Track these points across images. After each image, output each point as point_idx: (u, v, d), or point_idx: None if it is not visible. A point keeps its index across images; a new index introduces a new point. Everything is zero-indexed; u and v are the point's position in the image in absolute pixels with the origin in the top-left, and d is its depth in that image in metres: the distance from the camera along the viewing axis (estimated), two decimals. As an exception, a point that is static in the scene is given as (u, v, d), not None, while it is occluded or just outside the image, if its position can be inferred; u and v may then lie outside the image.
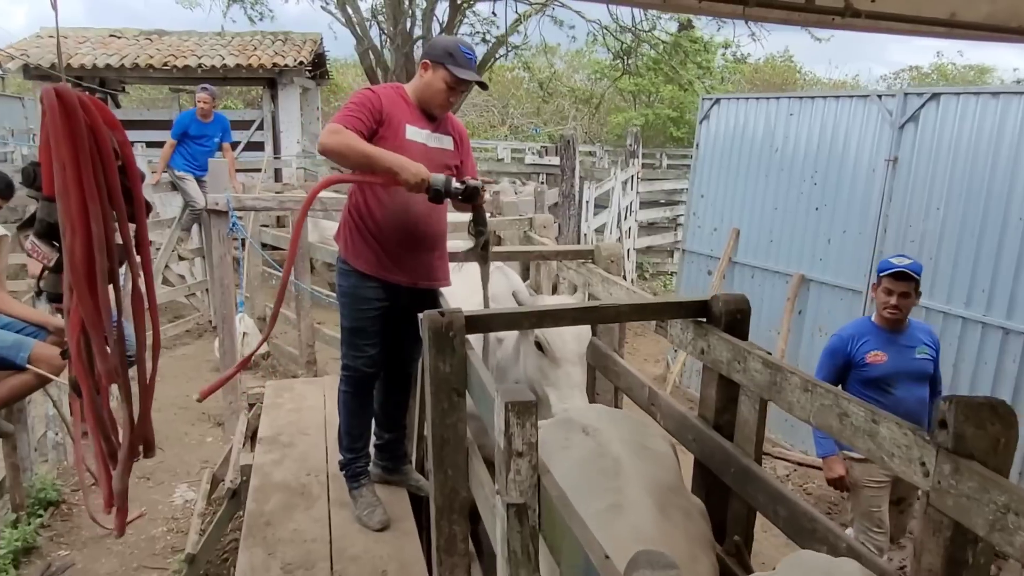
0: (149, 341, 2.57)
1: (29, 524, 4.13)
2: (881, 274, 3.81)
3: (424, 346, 2.42)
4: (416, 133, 2.93)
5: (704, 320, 2.77)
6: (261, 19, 15.16)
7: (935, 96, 5.41)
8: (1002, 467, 1.62)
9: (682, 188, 13.57)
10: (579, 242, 8.36)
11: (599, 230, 9.42)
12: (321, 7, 14.89)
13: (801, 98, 6.67)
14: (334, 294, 6.62)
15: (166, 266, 8.13)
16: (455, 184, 2.78)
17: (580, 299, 3.42)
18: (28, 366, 3.62)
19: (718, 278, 7.47)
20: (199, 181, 7.86)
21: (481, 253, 3.01)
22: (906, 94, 5.65)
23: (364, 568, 2.81)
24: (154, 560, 4.17)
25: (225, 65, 12.96)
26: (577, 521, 1.51)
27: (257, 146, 13.71)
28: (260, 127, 13.89)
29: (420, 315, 2.45)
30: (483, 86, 2.98)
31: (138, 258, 2.42)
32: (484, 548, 2.74)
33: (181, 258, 8.23)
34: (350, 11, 14.91)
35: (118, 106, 14.64)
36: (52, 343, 3.74)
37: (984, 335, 5.12)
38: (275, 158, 13.19)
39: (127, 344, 2.57)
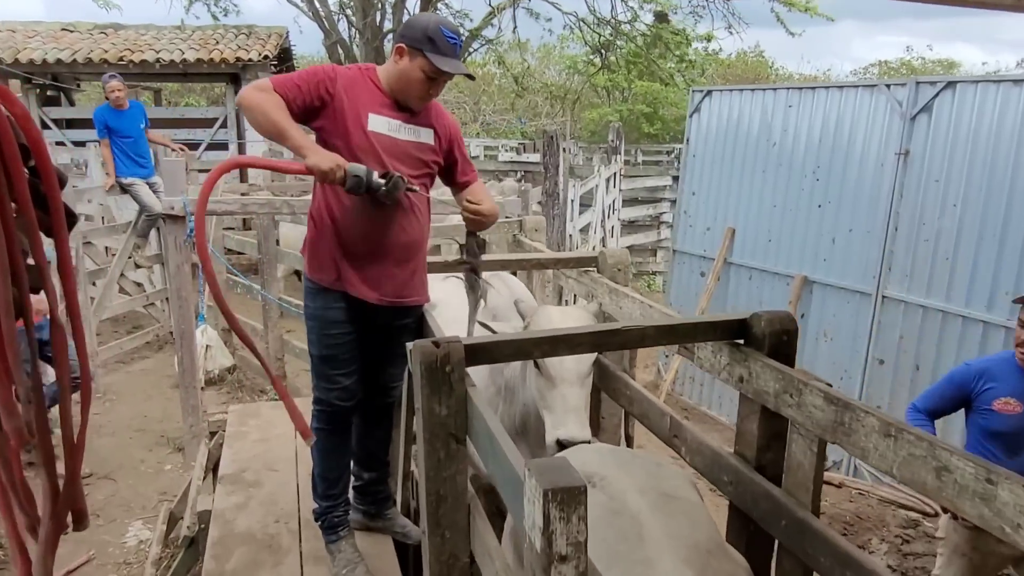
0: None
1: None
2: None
3: (415, 383, 2.01)
4: (382, 123, 2.48)
5: (742, 342, 2.38)
6: (225, 15, 14.61)
7: (950, 85, 5.11)
8: None
9: (664, 185, 13.30)
10: (564, 244, 7.97)
11: (584, 230, 9.04)
12: (287, 0, 14.35)
13: (801, 89, 6.36)
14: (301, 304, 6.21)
15: (121, 275, 7.59)
16: (376, 177, 2.37)
17: (595, 310, 2.99)
18: None
19: (712, 280, 7.14)
20: (150, 185, 7.32)
21: (471, 293, 2.61)
22: (918, 83, 5.35)
23: (344, 640, 2.38)
24: (103, 615, 3.71)
25: (185, 60, 12.37)
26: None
27: (221, 145, 13.13)
28: (224, 125, 13.31)
29: (409, 345, 2.04)
30: (469, 77, 2.55)
31: (59, 282, 1.96)
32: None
33: (138, 266, 7.69)
34: (317, 4, 14.39)
35: (72, 103, 13.98)
36: None
37: (1008, 339, 4.80)
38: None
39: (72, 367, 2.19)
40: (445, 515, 2.03)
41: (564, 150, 15.66)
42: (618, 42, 14.46)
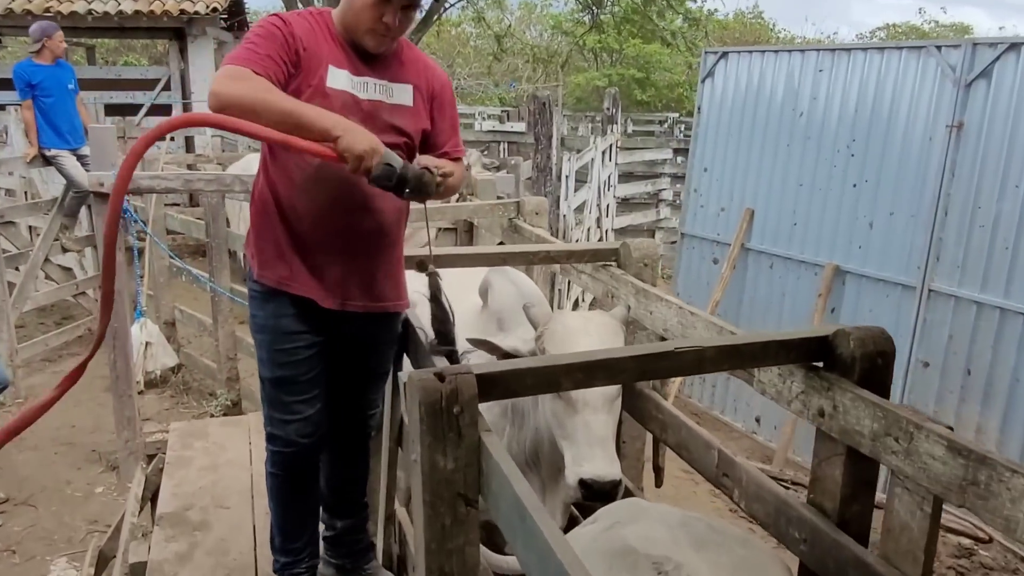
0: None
1: None
2: None
3: (412, 427, 1.66)
4: (342, 78, 2.09)
5: (821, 364, 2.05)
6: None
7: (1014, 47, 4.82)
8: None
9: (664, 159, 12.98)
10: (559, 225, 7.62)
11: (579, 209, 8.70)
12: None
13: (834, 50, 6.06)
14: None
15: (47, 259, 7.13)
16: (411, 171, 1.99)
17: (621, 316, 2.64)
18: None
19: (728, 267, 6.84)
20: (79, 156, 6.85)
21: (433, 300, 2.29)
22: (975, 44, 5.06)
23: None
24: None
25: (122, 12, 11.81)
26: None
27: (163, 109, 12.64)
28: (167, 87, 12.82)
29: (403, 377, 1.69)
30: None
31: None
32: None
33: (65, 249, 7.23)
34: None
35: (-8, 61, 13.35)
36: None
37: (1080, 343, 4.55)
38: (186, 124, 12.10)
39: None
40: (452, 600, 1.69)
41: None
42: (611, -1, 14.07)
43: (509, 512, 1.51)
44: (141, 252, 6.27)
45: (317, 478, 2.44)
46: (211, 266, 5.65)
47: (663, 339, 2.97)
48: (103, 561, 3.74)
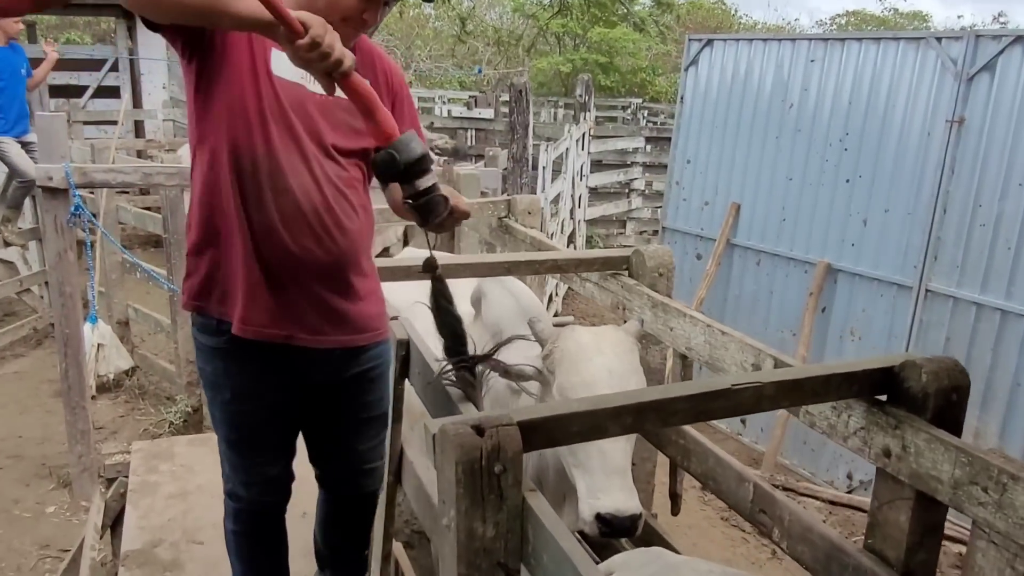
0: None
1: None
2: None
3: (445, 490, 1.44)
4: (286, 65, 1.63)
5: (884, 398, 1.88)
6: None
7: (1019, 39, 4.75)
8: None
9: (636, 147, 12.82)
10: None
11: (554, 200, 8.51)
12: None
13: (827, 40, 5.93)
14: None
15: (-13, 254, 6.75)
16: (427, 161, 1.66)
17: (635, 331, 2.40)
18: None
19: (713, 264, 6.70)
20: (24, 144, 6.46)
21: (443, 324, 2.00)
22: (978, 36, 4.96)
23: None
24: None
25: (66, -13, 11.26)
26: None
27: (111, 92, 12.14)
28: (114, 68, 12.30)
29: (432, 427, 1.46)
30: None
31: None
32: None
33: (7, 243, 6.84)
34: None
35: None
36: None
37: (1086, 347, 4.48)
38: (135, 107, 11.63)
39: None
40: None
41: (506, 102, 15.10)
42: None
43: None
44: (93, 246, 5.94)
45: (283, 533, 2.16)
46: (169, 263, 5.35)
47: (684, 357, 2.79)
48: (59, 598, 3.48)
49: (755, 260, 6.50)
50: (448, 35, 21.71)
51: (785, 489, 5.71)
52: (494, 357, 2.17)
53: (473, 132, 12.18)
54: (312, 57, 1.46)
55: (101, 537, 3.30)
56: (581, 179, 10.68)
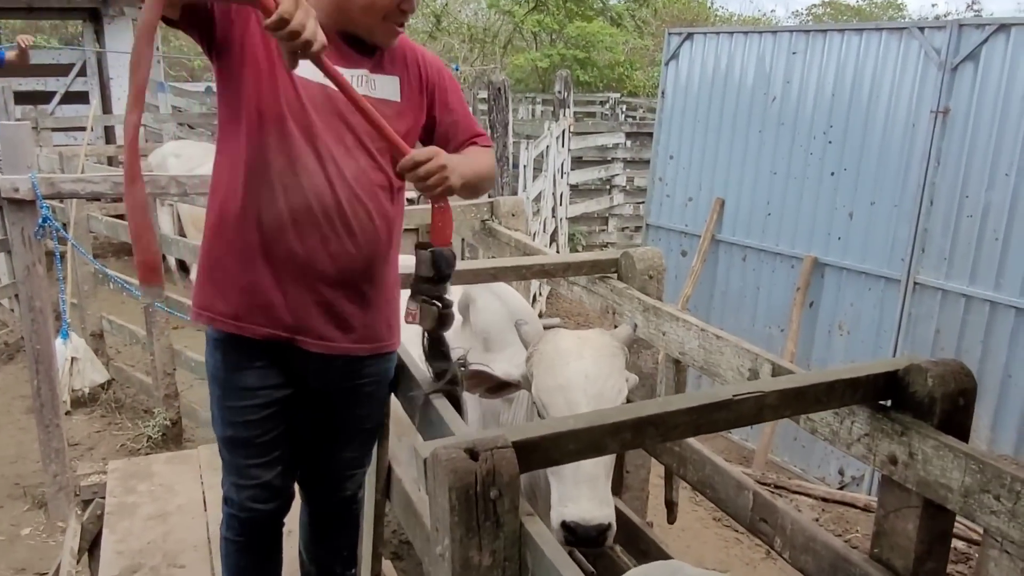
0: None
1: None
2: None
3: (438, 516, 1.38)
4: (309, 65, 1.58)
5: (889, 403, 1.84)
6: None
7: (1003, 28, 4.72)
8: None
9: (616, 143, 12.78)
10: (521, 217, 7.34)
11: (536, 199, 8.44)
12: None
13: (809, 32, 5.91)
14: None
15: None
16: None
17: (624, 336, 2.34)
18: None
19: (698, 260, 6.67)
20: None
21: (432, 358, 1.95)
22: (961, 26, 4.95)
23: None
24: None
25: (31, -10, 11.08)
26: None
27: (79, 97, 11.95)
28: (82, 73, 12.10)
29: (422, 451, 1.41)
30: None
31: None
32: None
33: (-26, 256, 6.69)
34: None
35: None
36: None
37: (1076, 337, 4.48)
38: (104, 112, 11.46)
39: None
40: None
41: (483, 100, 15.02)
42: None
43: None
44: (63, 257, 5.82)
45: (277, 547, 2.13)
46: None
47: (677, 363, 2.74)
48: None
49: (741, 256, 6.47)
50: (422, 31, 21.60)
51: (777, 487, 5.69)
52: (482, 371, 2.13)
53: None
54: (281, 35, 1.44)
55: (78, 561, 3.21)
56: (562, 177, 10.62)
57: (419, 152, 1.67)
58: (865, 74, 5.52)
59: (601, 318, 3.03)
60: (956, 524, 4.79)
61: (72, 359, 5.65)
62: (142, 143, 10.57)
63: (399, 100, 1.88)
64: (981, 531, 4.59)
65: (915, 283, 5.28)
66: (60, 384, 4.77)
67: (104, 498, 3.32)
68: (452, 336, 2.56)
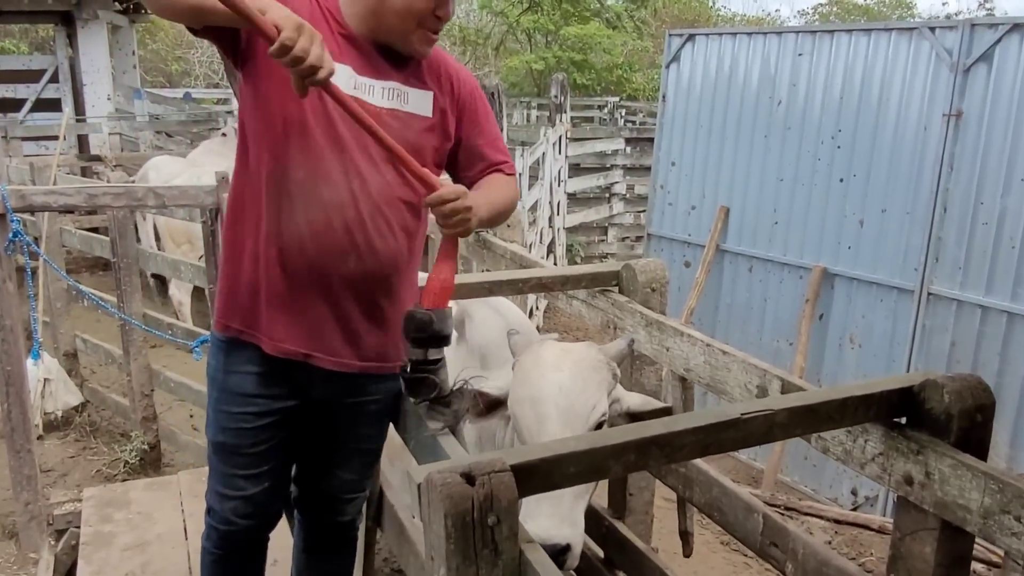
0: None
1: None
2: None
3: (433, 544, 1.38)
4: (344, 76, 1.73)
5: (904, 420, 1.85)
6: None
7: (1017, 27, 4.77)
8: None
9: (616, 150, 12.83)
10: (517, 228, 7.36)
11: (532, 208, 8.47)
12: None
13: (815, 32, 5.95)
14: (177, 323, 5.38)
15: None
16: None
17: (617, 350, 2.33)
18: None
19: (703, 271, 6.69)
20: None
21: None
22: (973, 25, 5.00)
23: None
24: None
25: (-2, -8, 11.11)
26: None
27: (51, 104, 11.96)
28: (54, 79, 12.12)
29: (416, 475, 1.41)
30: None
31: None
32: None
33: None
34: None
35: None
36: None
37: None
38: (78, 120, 11.45)
39: None
40: None
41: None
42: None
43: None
44: (34, 272, 5.81)
45: (259, 566, 2.15)
46: (119, 290, 5.21)
47: (683, 379, 2.75)
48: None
49: (747, 266, 6.49)
50: (412, 34, 21.69)
51: (787, 509, 5.69)
52: (476, 390, 2.13)
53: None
54: (285, 62, 1.48)
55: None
56: (559, 185, 10.66)
57: (447, 191, 1.70)
58: (874, 76, 5.56)
59: (601, 333, 3.03)
60: (976, 546, 4.80)
61: (44, 380, 5.62)
62: (117, 152, 10.59)
63: (431, 116, 1.90)
64: (1002, 553, 4.61)
65: (929, 293, 5.30)
66: (32, 407, 4.75)
67: (79, 527, 3.32)
68: (449, 353, 2.57)
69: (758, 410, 1.70)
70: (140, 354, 5.25)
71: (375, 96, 1.80)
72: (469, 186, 1.89)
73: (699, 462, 2.47)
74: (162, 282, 7.25)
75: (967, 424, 1.75)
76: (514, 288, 2.82)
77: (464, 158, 1.98)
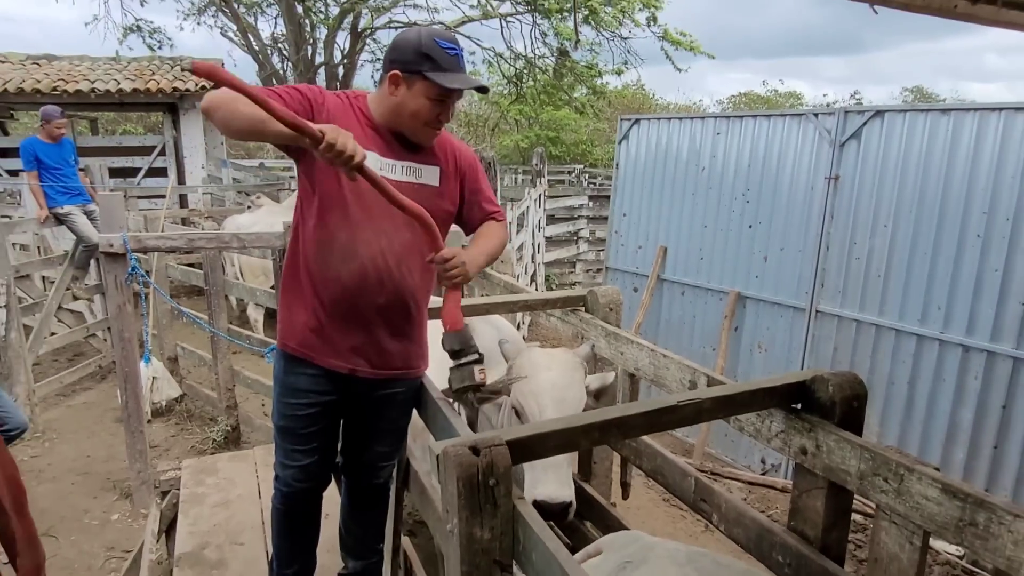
0: None
1: None
2: None
3: (448, 500, 1.36)
4: (372, 161, 1.72)
5: (799, 406, 1.83)
6: (160, 47, 13.30)
7: (879, 113, 4.79)
8: None
9: (581, 204, 12.85)
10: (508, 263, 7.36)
11: (519, 248, 8.47)
12: (220, 34, 13.20)
13: (729, 117, 5.96)
14: (252, 335, 5.35)
15: (59, 307, 6.50)
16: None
17: (585, 353, 2.39)
18: None
19: (647, 295, 6.68)
20: (87, 212, 6.30)
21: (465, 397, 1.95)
22: (846, 112, 5.02)
23: None
24: None
25: (121, 90, 11.11)
26: None
27: (159, 172, 11.94)
28: (162, 153, 12.12)
29: (436, 448, 1.39)
30: (483, 90, 1.86)
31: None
32: None
33: (76, 297, 6.62)
34: (251, 38, 13.30)
35: (6, 133, 12.43)
36: None
37: (943, 352, 4.50)
38: (179, 184, 11.44)
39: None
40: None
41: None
42: (533, 72, 13.95)
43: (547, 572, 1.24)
44: (147, 296, 5.78)
45: (315, 518, 2.12)
46: (210, 310, 5.20)
47: (632, 376, 2.74)
48: (123, 594, 3.30)
49: (680, 291, 6.48)
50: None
51: (713, 474, 5.65)
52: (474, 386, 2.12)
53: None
54: (331, 156, 1.51)
55: (157, 541, 3.14)
56: (539, 230, 10.67)
57: (447, 251, 1.76)
58: (773, 150, 5.59)
59: (572, 342, 3.02)
60: (854, 501, 4.78)
61: (153, 378, 5.58)
62: (208, 207, 10.56)
63: (438, 185, 1.90)
64: (874, 506, 4.57)
65: (817, 311, 5.30)
66: (143, 398, 4.71)
67: (179, 489, 3.26)
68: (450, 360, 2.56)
69: (690, 399, 1.71)
70: (225, 358, 5.21)
71: (396, 173, 1.81)
72: (472, 230, 1.92)
73: (646, 438, 2.47)
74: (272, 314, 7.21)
75: (847, 409, 1.75)
76: (507, 308, 2.82)
77: (467, 211, 1.99)
